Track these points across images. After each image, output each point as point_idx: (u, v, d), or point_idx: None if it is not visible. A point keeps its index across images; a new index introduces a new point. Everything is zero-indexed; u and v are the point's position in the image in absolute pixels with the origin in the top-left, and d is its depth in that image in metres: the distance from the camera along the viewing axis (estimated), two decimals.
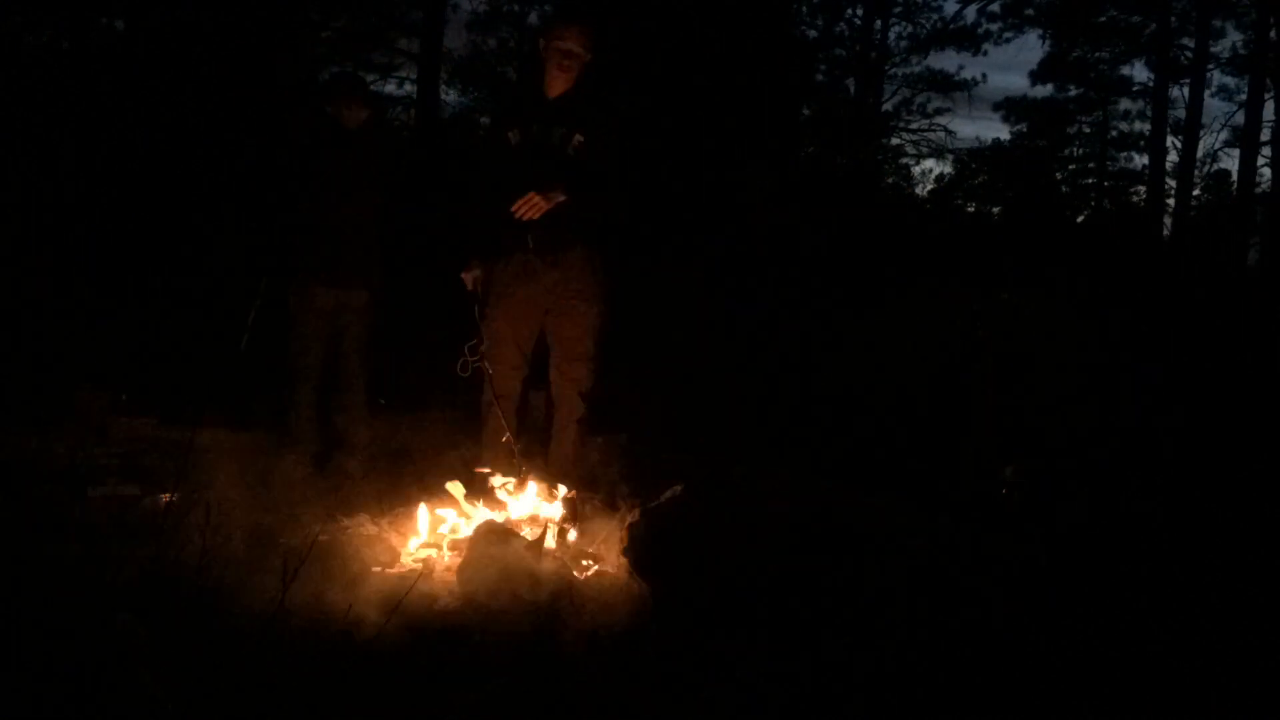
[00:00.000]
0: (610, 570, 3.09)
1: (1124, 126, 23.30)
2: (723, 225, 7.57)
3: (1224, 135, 20.62)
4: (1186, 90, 20.11)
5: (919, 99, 20.98)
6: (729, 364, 6.06)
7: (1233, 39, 20.26)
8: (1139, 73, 22.32)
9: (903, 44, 20.63)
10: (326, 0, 12.01)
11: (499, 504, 3.50)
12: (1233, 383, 6.26)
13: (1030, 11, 20.70)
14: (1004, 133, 23.57)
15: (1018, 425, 4.80)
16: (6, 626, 2.35)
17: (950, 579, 3.08)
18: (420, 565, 3.13)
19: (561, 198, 3.74)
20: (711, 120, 8.13)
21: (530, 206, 3.73)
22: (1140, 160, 22.68)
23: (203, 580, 2.72)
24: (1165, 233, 20.05)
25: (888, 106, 20.75)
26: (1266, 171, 19.03)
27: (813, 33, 18.51)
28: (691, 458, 4.63)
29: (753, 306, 6.87)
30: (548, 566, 2.92)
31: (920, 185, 22.78)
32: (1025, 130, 23.22)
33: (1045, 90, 22.66)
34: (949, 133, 21.04)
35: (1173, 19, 20.16)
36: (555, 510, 3.37)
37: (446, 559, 3.17)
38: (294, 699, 2.18)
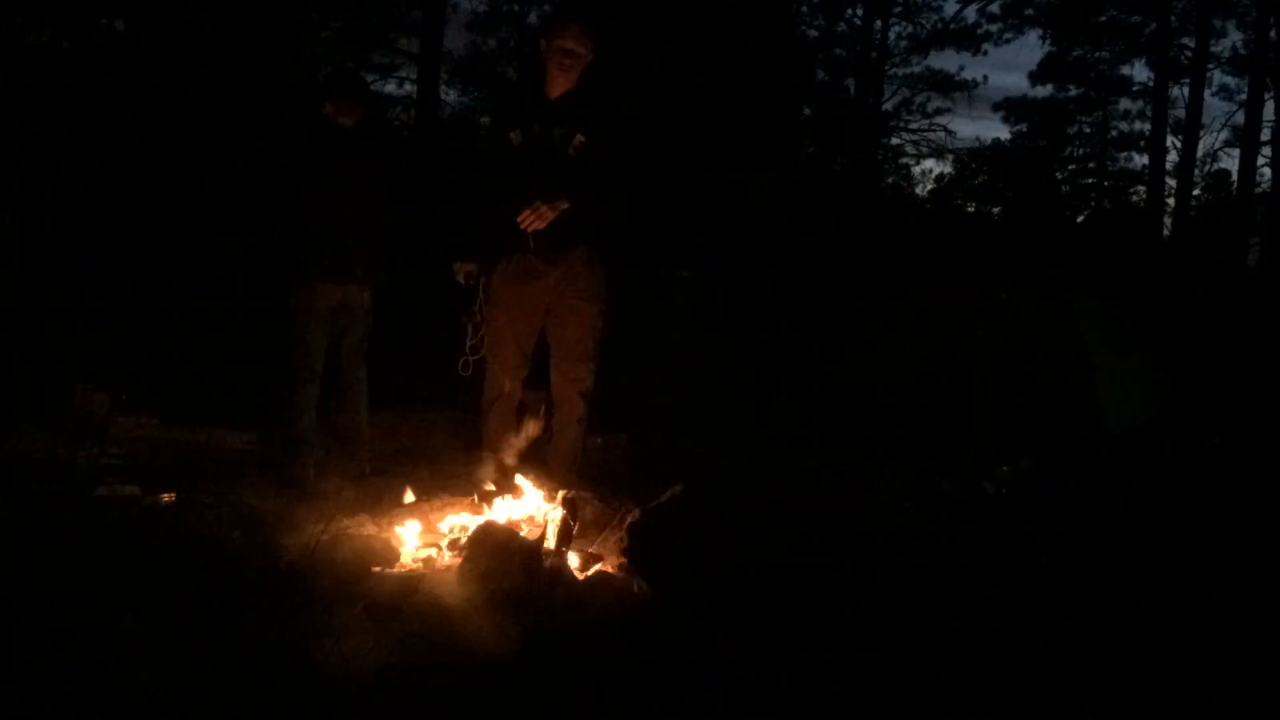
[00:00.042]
0: (610, 570, 3.09)
1: (1124, 126, 23.34)
2: (723, 225, 7.58)
3: (1224, 135, 20.64)
4: (1186, 90, 20.13)
5: (919, 99, 21.01)
6: (729, 364, 6.06)
7: (1233, 39, 20.29)
8: (1139, 73, 22.35)
9: (903, 44, 20.66)
10: (326, 0, 12.01)
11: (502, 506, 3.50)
12: (1233, 382, 6.26)
13: (1030, 11, 20.73)
14: (1004, 133, 23.60)
15: (1018, 425, 4.80)
16: (8, 627, 2.35)
17: (950, 579, 3.08)
18: (420, 565, 3.13)
19: (565, 205, 3.74)
20: (711, 120, 8.13)
21: (536, 217, 3.73)
22: (1140, 160, 22.71)
23: (204, 581, 2.72)
24: (1165, 233, 20.06)
25: (888, 106, 20.77)
26: (1266, 171, 19.05)
27: (813, 33, 18.54)
28: (691, 457, 4.63)
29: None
30: (548, 566, 2.92)
31: (920, 185, 22.80)
32: (1025, 130, 23.23)
33: (1045, 90, 22.70)
34: (949, 133, 21.06)
35: (1173, 19, 20.16)
36: (555, 510, 3.37)
37: (446, 559, 3.17)
38: (294, 700, 2.18)
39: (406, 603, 2.74)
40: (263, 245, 4.56)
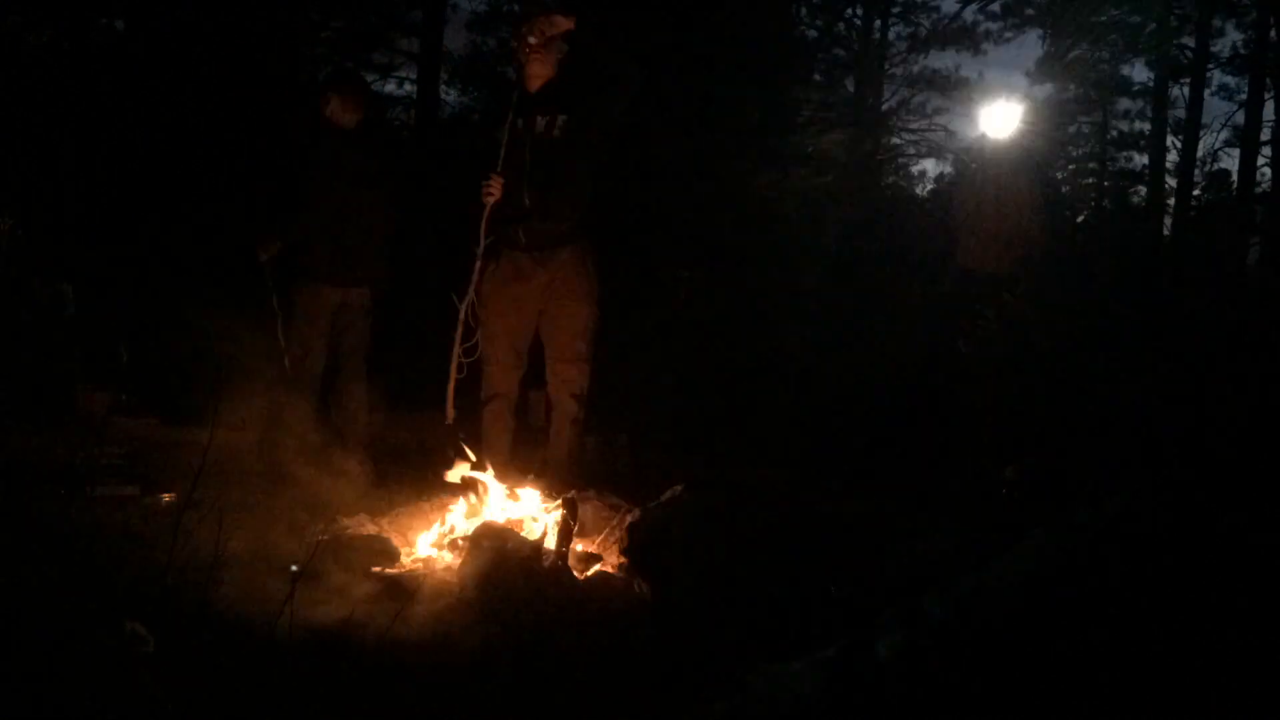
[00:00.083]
0: (610, 570, 3.10)
1: (1124, 126, 23.31)
2: (723, 225, 7.58)
3: (1224, 135, 20.61)
4: (1186, 90, 20.12)
5: (918, 98, 20.99)
6: (729, 363, 6.06)
7: (1233, 39, 20.28)
8: (1139, 72, 22.31)
9: (902, 44, 20.65)
10: (326, 0, 12.00)
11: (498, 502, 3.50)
12: (1233, 382, 6.26)
13: (1030, 11, 20.72)
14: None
15: (1018, 425, 4.80)
16: (8, 628, 2.35)
17: (950, 579, 3.08)
18: (420, 565, 3.14)
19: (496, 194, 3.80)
20: (711, 120, 8.12)
21: (489, 190, 3.80)
22: (1140, 160, 22.69)
23: (205, 581, 2.72)
24: (1165, 233, 20.05)
25: (888, 106, 20.75)
26: (1267, 171, 19.05)
27: (813, 33, 18.51)
28: (691, 457, 4.63)
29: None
30: (548, 566, 2.92)
31: (920, 185, 22.78)
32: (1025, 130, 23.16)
33: (1045, 90, 22.66)
34: (949, 132, 21.04)
35: (1173, 19, 20.14)
36: (555, 510, 3.37)
37: (446, 559, 3.17)
38: (295, 700, 2.18)
39: (406, 603, 2.74)
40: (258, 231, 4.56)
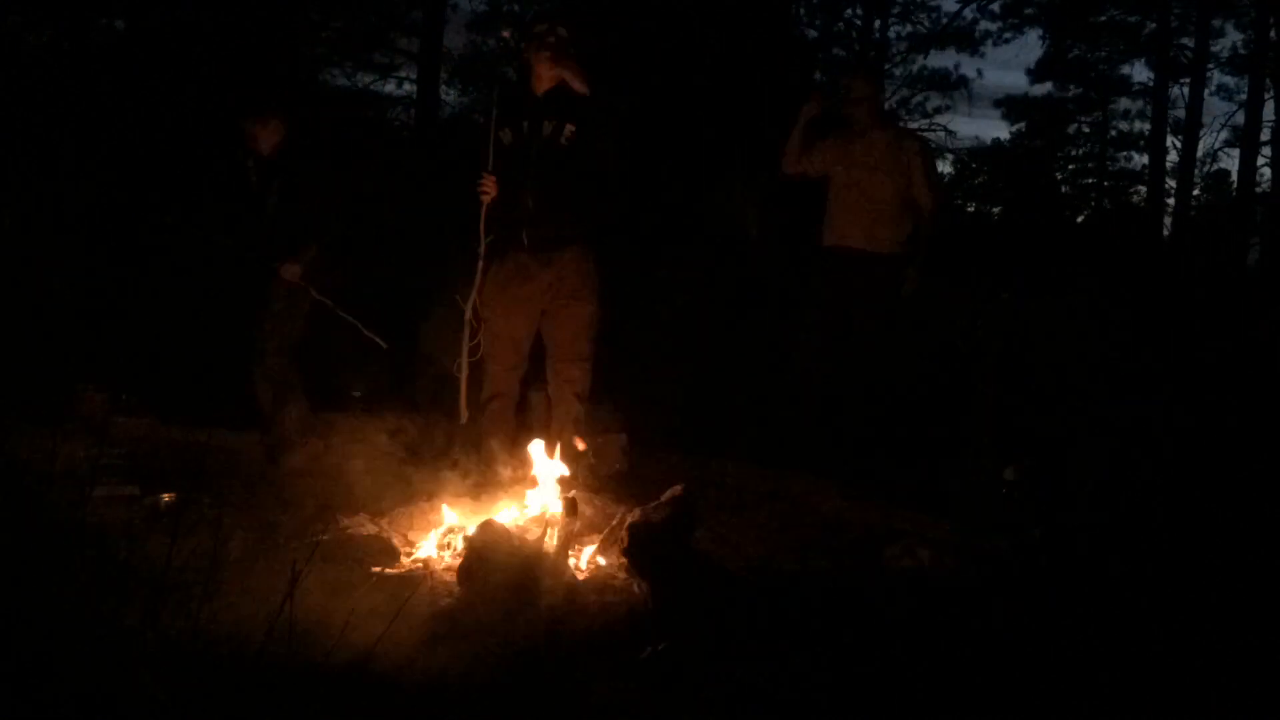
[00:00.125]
0: (610, 570, 3.09)
1: (1124, 126, 23.31)
2: (723, 225, 7.57)
3: (1224, 135, 20.63)
4: (1186, 90, 20.12)
5: (918, 98, 21.00)
6: (730, 363, 6.05)
7: (1233, 39, 20.29)
8: (1139, 72, 22.33)
9: (902, 44, 20.65)
10: (326, 0, 11.99)
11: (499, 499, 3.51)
12: (1233, 382, 6.26)
13: (1030, 11, 20.73)
14: (1004, 132, 23.58)
15: (1018, 425, 4.80)
16: (8, 627, 2.35)
17: (950, 579, 3.08)
18: (420, 565, 3.13)
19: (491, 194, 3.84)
20: (711, 120, 8.12)
21: (484, 190, 3.85)
22: (1140, 160, 22.70)
23: (205, 581, 2.72)
24: (1165, 233, 20.05)
25: (888, 106, 20.74)
26: (1266, 171, 19.05)
27: (813, 33, 18.51)
28: (691, 457, 4.63)
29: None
30: (548, 566, 2.92)
31: None
32: (1025, 130, 23.22)
33: (1045, 89, 22.70)
34: (949, 132, 21.03)
35: (1173, 19, 20.16)
36: (555, 510, 3.37)
37: (446, 559, 3.17)
38: (295, 701, 2.18)
39: (406, 603, 2.74)
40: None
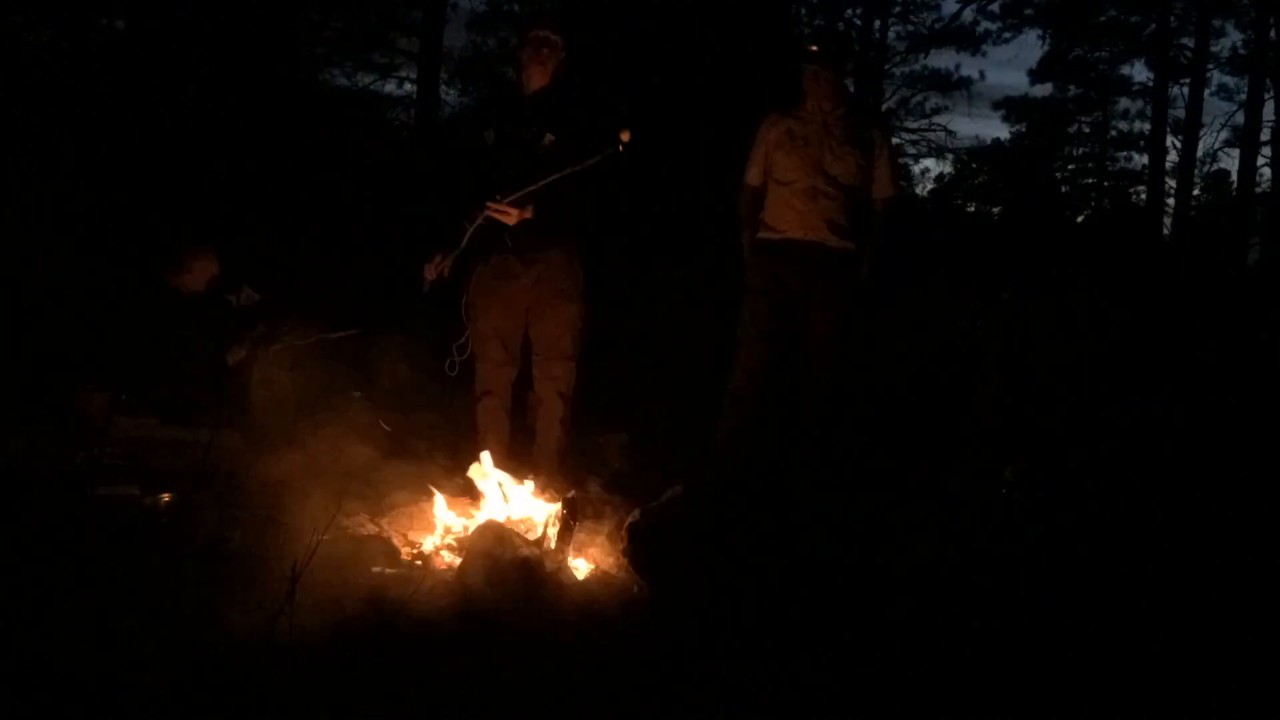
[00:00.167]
0: (610, 570, 3.10)
1: (1124, 126, 23.31)
2: (722, 225, 7.58)
3: (1224, 135, 20.64)
4: (1186, 90, 20.13)
5: (918, 98, 21.00)
6: (729, 363, 6.05)
7: (1233, 39, 20.30)
8: (1139, 72, 22.34)
9: (902, 44, 20.66)
10: (326, 0, 12.00)
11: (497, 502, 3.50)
12: (1233, 382, 6.26)
13: (1029, 11, 20.74)
14: (1004, 132, 23.59)
15: (1018, 425, 4.80)
16: (8, 627, 2.35)
17: (950, 579, 3.08)
18: (420, 565, 3.14)
19: (528, 215, 3.79)
20: (711, 120, 8.13)
21: (495, 211, 3.80)
22: (1140, 160, 22.70)
23: (204, 581, 2.72)
24: (1165, 233, 20.06)
25: (888, 106, 20.75)
26: (1266, 171, 19.07)
27: (813, 33, 18.51)
28: (691, 457, 4.63)
29: None
30: (548, 566, 2.92)
31: (920, 185, 22.79)
32: (1025, 130, 23.23)
33: (1045, 89, 22.71)
34: (949, 132, 21.05)
35: (1173, 19, 20.17)
36: (555, 510, 3.37)
37: (446, 559, 3.17)
38: (295, 700, 2.18)
39: (406, 603, 2.74)
40: None
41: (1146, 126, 21.51)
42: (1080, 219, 22.69)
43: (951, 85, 20.61)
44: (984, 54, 20.69)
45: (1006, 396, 4.91)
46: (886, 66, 20.53)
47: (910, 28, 20.48)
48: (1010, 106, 22.93)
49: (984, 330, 5.19)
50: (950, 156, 21.87)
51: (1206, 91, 20.29)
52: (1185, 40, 20.15)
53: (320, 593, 2.71)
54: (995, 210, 22.32)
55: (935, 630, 2.69)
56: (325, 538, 3.11)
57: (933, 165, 23.51)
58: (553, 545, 3.09)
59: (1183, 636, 2.72)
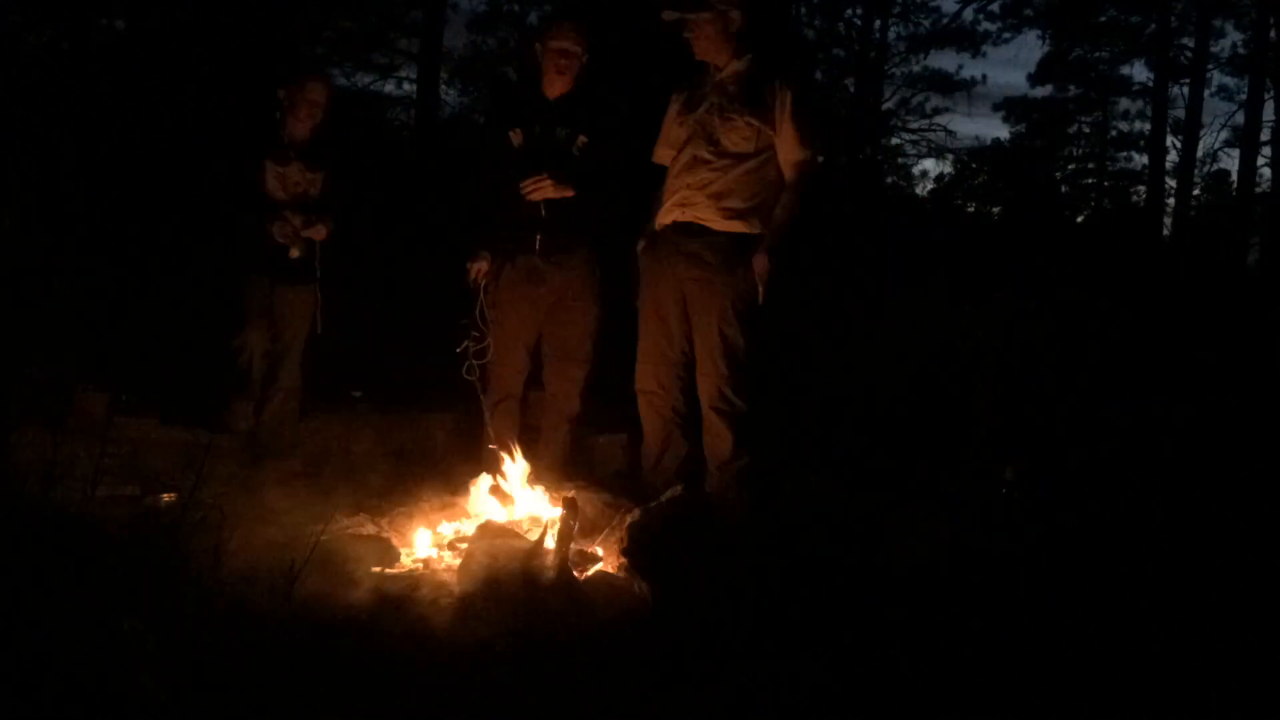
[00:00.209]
0: (610, 570, 3.09)
1: (1124, 126, 23.35)
2: None
3: (1224, 135, 20.64)
4: (1186, 90, 20.13)
5: (918, 99, 21.00)
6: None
7: (1233, 39, 20.31)
8: (1139, 72, 22.35)
9: (902, 44, 20.65)
10: (326, 0, 11.99)
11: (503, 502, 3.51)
12: (1233, 382, 6.26)
13: (1029, 11, 20.74)
14: (1004, 132, 23.61)
15: (1018, 425, 4.80)
16: (8, 627, 2.35)
17: (950, 579, 3.08)
18: (420, 565, 3.13)
19: (570, 192, 3.81)
20: None
21: (540, 188, 3.78)
22: (1140, 160, 22.72)
23: (204, 580, 2.72)
24: (1165, 233, 20.06)
25: (887, 106, 20.76)
26: (1266, 171, 19.07)
27: (812, 33, 18.51)
28: (691, 457, 4.62)
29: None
30: (547, 566, 2.92)
31: (920, 185, 22.80)
32: (1025, 130, 23.24)
33: (1045, 90, 22.71)
34: (949, 132, 21.04)
35: (1173, 19, 20.16)
36: (555, 510, 3.37)
37: (447, 559, 3.17)
38: (293, 701, 2.18)
39: (406, 603, 2.74)
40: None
41: (1146, 126, 21.54)
42: (1080, 219, 22.71)
43: (952, 86, 20.62)
44: (984, 54, 20.71)
45: (1006, 396, 4.91)
46: (886, 67, 20.53)
47: (910, 28, 20.48)
48: (1010, 107, 22.97)
49: (984, 330, 5.19)
50: (950, 157, 21.88)
51: (1206, 91, 20.31)
52: (1185, 40, 20.16)
53: (320, 593, 2.71)
54: (995, 210, 22.33)
55: (935, 630, 2.69)
56: (325, 538, 3.13)
57: (933, 165, 23.51)
58: (553, 545, 3.08)
59: (1183, 636, 2.72)
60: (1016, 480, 4.13)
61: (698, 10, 3.61)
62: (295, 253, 4.31)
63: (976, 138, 28.25)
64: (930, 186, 22.85)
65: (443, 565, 3.12)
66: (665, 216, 3.76)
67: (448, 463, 4.28)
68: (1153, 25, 20.20)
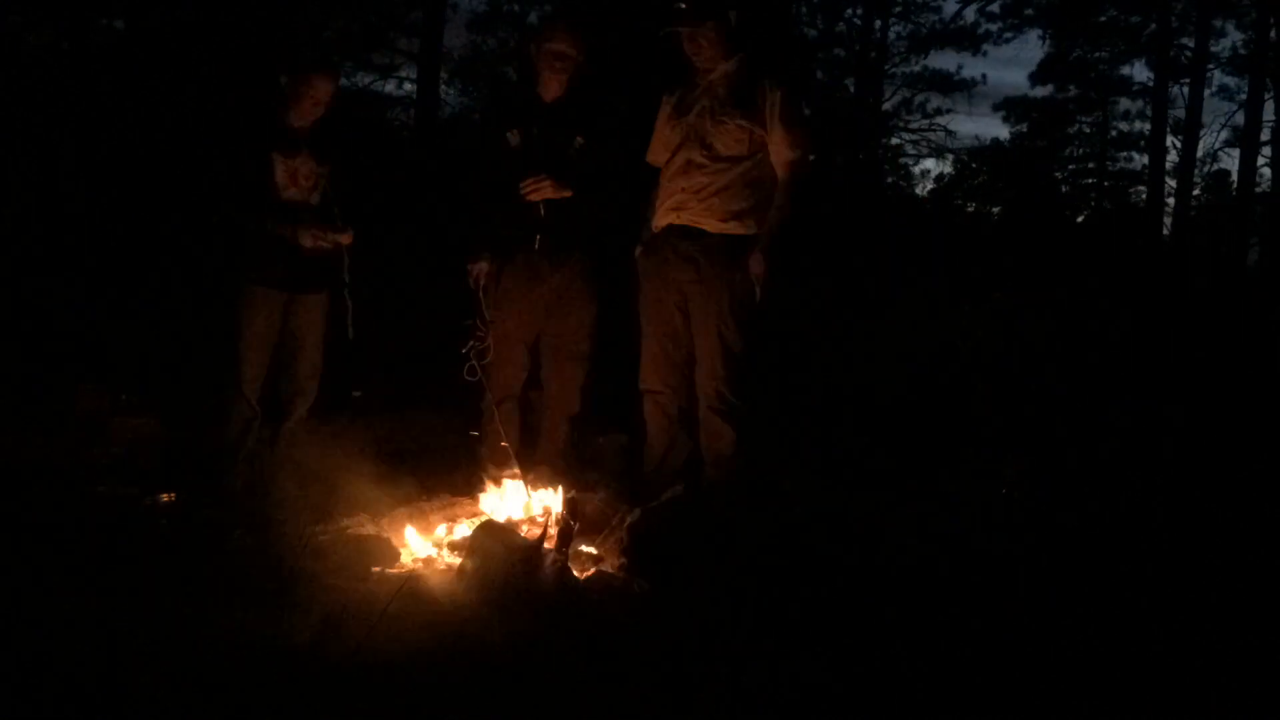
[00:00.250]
0: (610, 570, 3.09)
1: (1124, 126, 23.39)
2: None
3: (1224, 135, 20.67)
4: (1186, 90, 20.14)
5: (919, 99, 21.01)
6: None
7: (1233, 39, 20.33)
8: (1139, 72, 22.37)
9: (902, 44, 20.66)
10: (326, 0, 12.00)
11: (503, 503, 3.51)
12: (1232, 382, 6.26)
13: (1030, 11, 20.76)
14: (1004, 132, 23.63)
15: (1018, 425, 4.80)
16: (8, 627, 2.35)
17: (950, 579, 3.08)
18: (420, 565, 3.13)
19: (568, 193, 3.81)
20: None
21: (539, 188, 3.77)
22: (1140, 160, 22.75)
23: (204, 581, 2.72)
24: (1165, 233, 20.07)
25: (888, 106, 20.77)
26: (1266, 171, 19.11)
27: (813, 33, 18.52)
28: (691, 457, 4.63)
29: None
30: (548, 566, 2.92)
31: (920, 185, 22.82)
32: (1025, 130, 23.25)
33: (1045, 90, 22.73)
34: (949, 132, 21.07)
35: (1173, 19, 20.17)
36: (555, 510, 3.37)
37: (447, 559, 3.17)
38: (294, 700, 2.18)
39: (406, 603, 2.74)
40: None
41: (1146, 126, 21.57)
42: (1080, 219, 22.73)
43: (953, 86, 20.63)
44: (984, 54, 20.72)
45: (1006, 396, 4.91)
46: (886, 67, 20.54)
47: (911, 28, 20.49)
48: (1010, 106, 22.99)
49: (982, 330, 5.19)
50: (950, 156, 21.90)
51: (1206, 91, 20.34)
52: (1185, 40, 20.18)
53: (319, 593, 2.71)
54: (995, 210, 22.35)
55: (935, 630, 2.69)
56: (325, 537, 3.13)
57: (933, 165, 23.54)
58: (552, 545, 3.08)
59: (1183, 636, 2.72)
60: (1016, 480, 4.13)
61: (702, 21, 3.63)
62: (310, 242, 3.92)
63: (976, 138, 28.31)
64: (930, 186, 22.89)
65: (442, 565, 3.12)
66: (661, 220, 3.82)
67: (448, 463, 4.28)
68: (1153, 25, 20.22)
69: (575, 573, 3.01)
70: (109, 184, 7.20)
